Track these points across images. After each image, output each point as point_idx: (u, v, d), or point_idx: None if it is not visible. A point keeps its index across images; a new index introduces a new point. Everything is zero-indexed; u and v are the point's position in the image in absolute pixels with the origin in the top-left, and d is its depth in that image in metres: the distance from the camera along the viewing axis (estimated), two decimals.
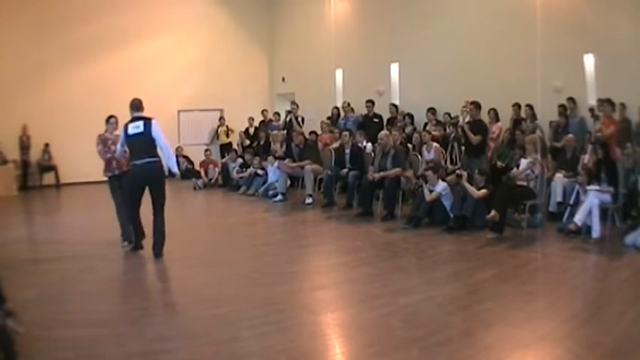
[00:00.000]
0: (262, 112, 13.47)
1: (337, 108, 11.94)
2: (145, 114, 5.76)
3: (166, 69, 13.58)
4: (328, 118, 11.72)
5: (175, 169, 6.01)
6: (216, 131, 14.11)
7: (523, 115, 8.71)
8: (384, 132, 8.17)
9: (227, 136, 13.89)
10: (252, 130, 13.53)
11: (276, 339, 3.51)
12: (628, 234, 5.94)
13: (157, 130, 5.63)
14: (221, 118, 14.09)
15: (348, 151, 8.97)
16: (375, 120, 10.69)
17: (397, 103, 11.18)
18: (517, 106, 8.79)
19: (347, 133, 9.14)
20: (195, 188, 11.64)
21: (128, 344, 3.47)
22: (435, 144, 8.46)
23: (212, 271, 5.34)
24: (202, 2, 14.35)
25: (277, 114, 13.01)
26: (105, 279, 5.13)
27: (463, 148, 8.55)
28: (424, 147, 8.55)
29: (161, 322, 3.95)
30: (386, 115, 10.80)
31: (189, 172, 12.79)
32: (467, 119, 8.36)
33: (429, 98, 10.17)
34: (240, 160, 11.72)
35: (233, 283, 4.92)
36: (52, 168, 12.30)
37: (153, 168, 5.61)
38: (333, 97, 12.83)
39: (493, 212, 6.19)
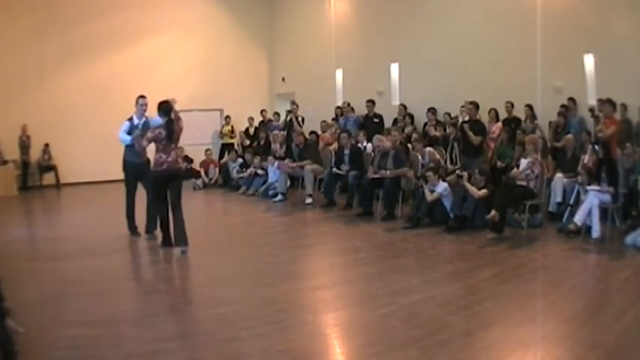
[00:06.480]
0: (261, 112, 13.48)
1: (340, 108, 11.92)
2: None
3: (166, 69, 13.56)
4: (333, 119, 11.71)
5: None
6: (221, 130, 14.10)
7: (519, 114, 8.69)
8: (376, 137, 8.13)
9: (231, 136, 13.83)
10: (252, 130, 13.53)
11: (276, 339, 3.51)
12: (628, 234, 5.94)
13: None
14: (227, 117, 14.01)
15: (347, 151, 8.96)
16: (376, 120, 10.68)
17: (397, 103, 11.17)
18: (510, 104, 8.78)
19: (345, 135, 9.12)
20: (195, 188, 11.63)
21: (128, 344, 3.47)
22: (428, 149, 8.26)
23: (212, 271, 5.33)
24: (202, 2, 14.36)
25: (277, 114, 13.00)
26: (105, 279, 5.12)
27: (462, 147, 8.54)
28: (418, 154, 8.46)
29: (161, 322, 3.94)
30: (387, 115, 10.77)
31: (189, 172, 12.76)
32: (465, 118, 8.33)
33: (429, 98, 10.17)
34: (240, 160, 11.71)
35: (233, 283, 4.92)
36: (52, 168, 12.30)
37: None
38: (333, 97, 12.84)
39: (493, 212, 6.19)
